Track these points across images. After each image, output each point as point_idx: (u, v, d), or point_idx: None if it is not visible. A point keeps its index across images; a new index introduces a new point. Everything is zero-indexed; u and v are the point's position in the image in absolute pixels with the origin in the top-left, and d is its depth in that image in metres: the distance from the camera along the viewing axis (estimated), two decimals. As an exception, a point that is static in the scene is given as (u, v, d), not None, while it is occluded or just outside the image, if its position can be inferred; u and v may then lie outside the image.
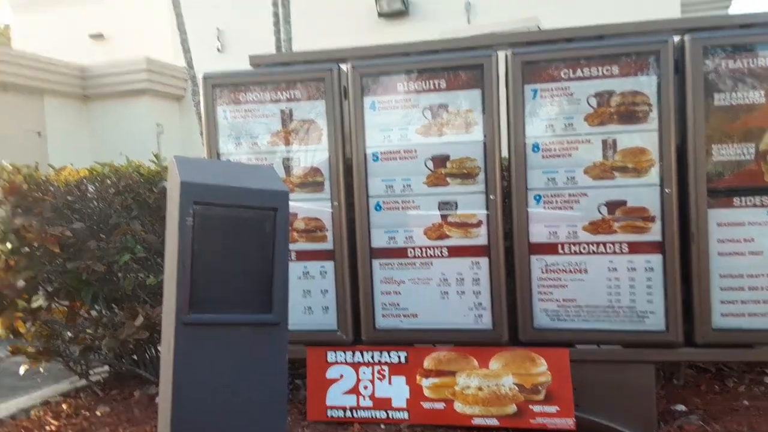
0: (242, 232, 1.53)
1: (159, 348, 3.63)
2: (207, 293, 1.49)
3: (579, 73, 2.78)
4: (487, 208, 2.87)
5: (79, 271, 3.24)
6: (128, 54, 10.00)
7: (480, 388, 2.85)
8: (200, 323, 1.50)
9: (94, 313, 3.54)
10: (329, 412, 2.98)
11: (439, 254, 2.93)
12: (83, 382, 3.75)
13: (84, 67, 9.62)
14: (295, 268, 3.02)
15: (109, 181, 3.52)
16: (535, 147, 2.84)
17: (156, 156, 3.70)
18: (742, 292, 2.69)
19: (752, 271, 2.68)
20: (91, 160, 3.72)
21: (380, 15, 9.57)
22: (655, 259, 2.73)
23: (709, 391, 3.29)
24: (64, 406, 3.44)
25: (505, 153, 2.90)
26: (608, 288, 2.78)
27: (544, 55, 2.81)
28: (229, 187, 1.51)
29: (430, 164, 2.94)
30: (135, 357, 3.70)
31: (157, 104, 9.85)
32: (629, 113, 2.74)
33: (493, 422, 2.82)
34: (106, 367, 3.90)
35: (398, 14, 9.52)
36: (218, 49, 10.17)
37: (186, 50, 7.69)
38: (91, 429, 3.11)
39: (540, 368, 2.82)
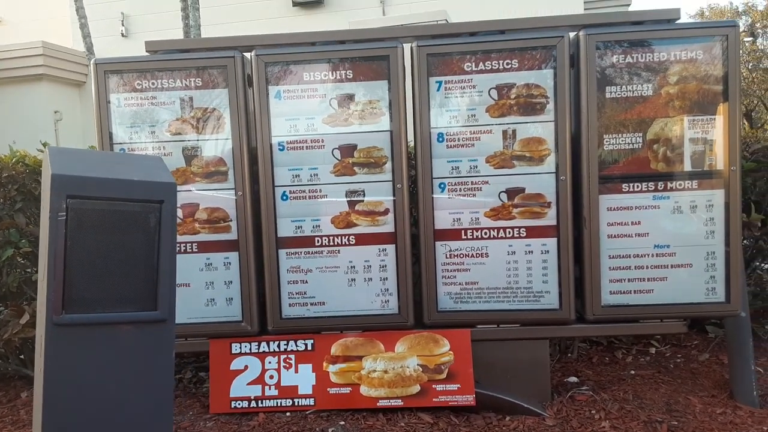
0: (125, 226, 1.45)
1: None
2: (83, 292, 1.40)
3: (481, 66, 2.87)
4: (394, 196, 2.91)
5: (-43, 269, 3.00)
6: (25, 38, 9.34)
7: (385, 371, 2.90)
8: (75, 323, 1.41)
9: (-26, 311, 3.30)
10: (233, 404, 2.93)
11: (347, 242, 2.95)
12: (-37, 384, 3.49)
13: (-28, 51, 8.89)
14: (197, 260, 2.95)
15: (-10, 173, 3.27)
16: (440, 137, 2.91)
17: (44, 145, 3.47)
18: (629, 271, 2.87)
19: (638, 251, 2.87)
20: (-19, 149, 3.45)
21: (295, 4, 9.46)
22: (551, 242, 2.88)
23: (600, 362, 3.51)
24: (-58, 412, 3.19)
25: (411, 141, 2.96)
26: (507, 270, 2.91)
27: (448, 48, 2.87)
28: (109, 180, 1.43)
29: (338, 153, 2.93)
30: (22, 357, 3.47)
31: (56, 91, 9.23)
32: (528, 105, 2.86)
33: (398, 403, 2.88)
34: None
35: (313, 4, 9.45)
36: (123, 34, 9.70)
37: (86, 35, 7.30)
38: (-28, 435, 2.91)
39: (443, 349, 2.91)
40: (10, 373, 3.59)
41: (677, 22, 2.88)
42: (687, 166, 2.84)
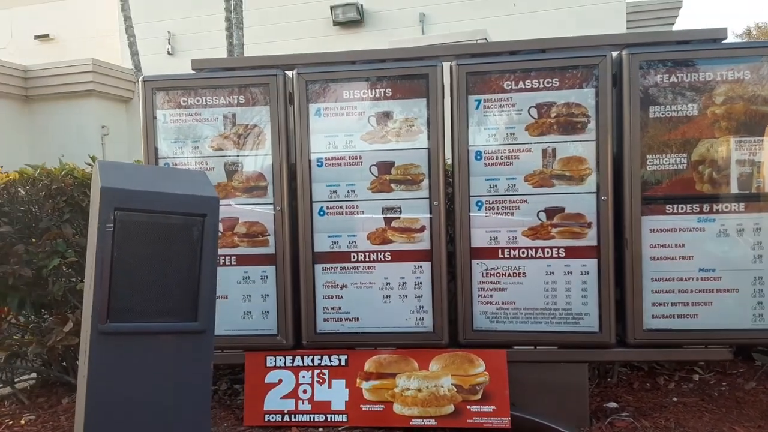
0: (169, 238, 1.50)
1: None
2: (127, 301, 1.45)
3: (521, 84, 2.85)
4: (431, 214, 2.91)
5: (5, 276, 3.11)
6: (75, 55, 9.73)
7: (419, 390, 2.87)
8: (119, 332, 1.46)
9: (22, 318, 3.41)
10: (267, 417, 2.94)
11: (382, 258, 2.95)
12: (8, 389, 3.58)
13: (26, 68, 9.30)
14: (235, 273, 3.00)
15: (40, 185, 3.40)
16: (478, 155, 2.90)
17: (92, 158, 3.59)
18: (672, 295, 2.79)
19: (682, 274, 2.79)
20: (32, 162, 3.58)
21: (335, 24, 9.62)
22: (591, 264, 2.82)
23: (641, 388, 3.40)
24: (-14, 415, 3.29)
25: (449, 159, 2.95)
26: (545, 291, 2.86)
27: (488, 67, 2.87)
28: (155, 193, 1.48)
29: (375, 170, 2.95)
30: (64, 364, 3.56)
31: (104, 106, 9.58)
32: (568, 124, 2.83)
33: (431, 423, 2.84)
34: (34, 375, 3.75)
35: (353, 23, 9.58)
36: (169, 52, 10.02)
37: (134, 53, 7.57)
38: (14, 439, 2.99)
39: (478, 369, 2.86)
40: (52, 379, 3.69)
41: (723, 41, 2.82)
42: (734, 188, 2.76)
